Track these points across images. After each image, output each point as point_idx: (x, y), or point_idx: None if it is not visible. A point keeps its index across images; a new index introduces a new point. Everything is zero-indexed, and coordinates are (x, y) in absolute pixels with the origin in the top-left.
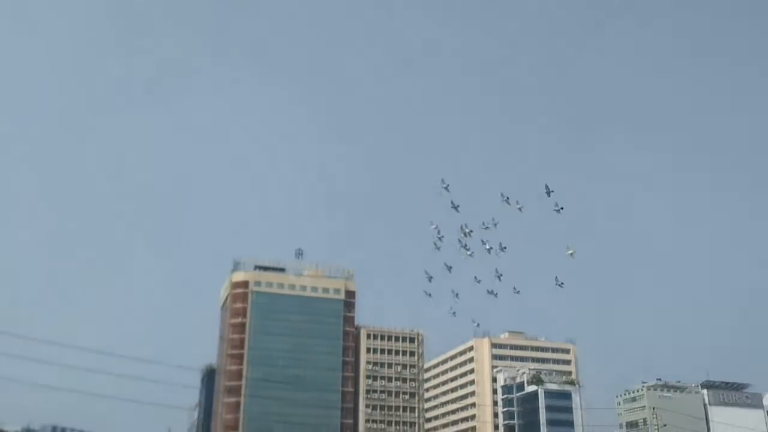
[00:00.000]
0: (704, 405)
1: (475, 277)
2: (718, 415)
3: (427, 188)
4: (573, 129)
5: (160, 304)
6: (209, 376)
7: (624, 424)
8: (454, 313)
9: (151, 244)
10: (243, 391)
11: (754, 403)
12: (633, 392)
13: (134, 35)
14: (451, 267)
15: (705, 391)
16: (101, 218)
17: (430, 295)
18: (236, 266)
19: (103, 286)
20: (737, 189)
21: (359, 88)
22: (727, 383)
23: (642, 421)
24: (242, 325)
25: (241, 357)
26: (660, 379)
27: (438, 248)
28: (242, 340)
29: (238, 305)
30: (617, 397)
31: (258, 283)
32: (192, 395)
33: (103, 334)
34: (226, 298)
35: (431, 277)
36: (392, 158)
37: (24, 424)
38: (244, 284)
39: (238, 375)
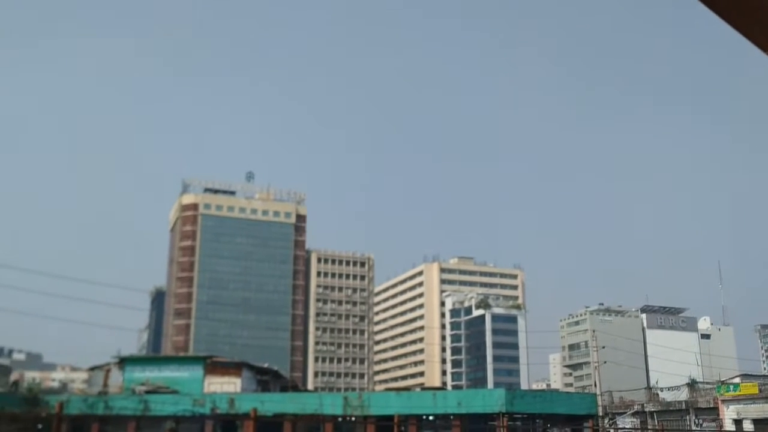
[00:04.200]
0: (642, 328)
1: None
2: (655, 337)
3: (377, 109)
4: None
5: (110, 227)
6: (158, 298)
7: (566, 346)
8: None
9: (103, 163)
10: (192, 314)
11: (689, 326)
12: (576, 316)
13: None
14: None
15: (643, 315)
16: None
17: None
18: (186, 188)
19: (76, 209)
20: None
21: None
22: (664, 308)
23: (583, 343)
24: (192, 248)
25: (190, 280)
26: (602, 304)
27: None
28: (191, 263)
29: (188, 228)
30: (561, 321)
31: (207, 206)
32: (141, 317)
33: (52, 256)
34: (176, 221)
35: None
36: (346, 80)
37: None
38: (194, 207)
39: (188, 297)
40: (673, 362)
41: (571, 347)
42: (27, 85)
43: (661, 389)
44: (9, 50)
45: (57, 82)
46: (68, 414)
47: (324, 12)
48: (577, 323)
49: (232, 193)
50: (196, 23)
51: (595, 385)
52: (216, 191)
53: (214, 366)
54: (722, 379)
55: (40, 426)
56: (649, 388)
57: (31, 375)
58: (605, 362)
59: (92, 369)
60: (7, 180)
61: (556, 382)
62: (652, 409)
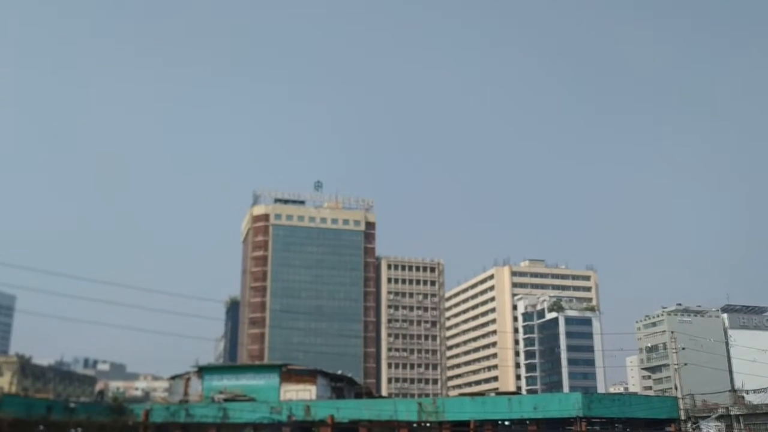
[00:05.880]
0: (724, 328)
1: None
2: (738, 338)
3: (441, 115)
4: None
5: (184, 239)
6: (233, 308)
7: (643, 348)
8: None
9: (171, 180)
10: (266, 322)
11: None
12: (653, 317)
13: None
14: None
15: (725, 315)
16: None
17: None
18: (256, 199)
19: (155, 224)
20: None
21: (371, 20)
22: (747, 307)
23: (662, 345)
24: (264, 258)
25: (263, 289)
26: (680, 304)
27: None
28: (264, 273)
29: (259, 238)
30: (637, 322)
31: (278, 216)
32: (217, 327)
33: (133, 269)
34: (248, 232)
35: None
36: (408, 89)
37: (57, 357)
38: (265, 218)
39: (262, 307)
40: (759, 363)
41: (649, 349)
42: (102, 101)
43: (747, 392)
44: (89, 75)
45: (131, 98)
46: (152, 422)
47: (385, 32)
48: (654, 324)
49: (302, 202)
50: (265, 36)
51: (676, 388)
52: (286, 201)
53: (290, 374)
54: None
55: None
56: (733, 390)
57: (115, 384)
58: (685, 364)
59: (173, 378)
60: (88, 196)
61: (635, 385)
62: (738, 413)
